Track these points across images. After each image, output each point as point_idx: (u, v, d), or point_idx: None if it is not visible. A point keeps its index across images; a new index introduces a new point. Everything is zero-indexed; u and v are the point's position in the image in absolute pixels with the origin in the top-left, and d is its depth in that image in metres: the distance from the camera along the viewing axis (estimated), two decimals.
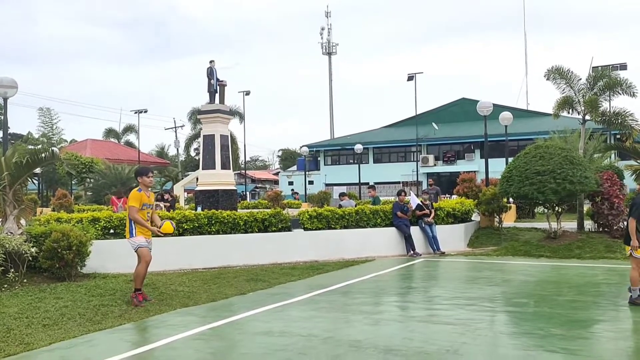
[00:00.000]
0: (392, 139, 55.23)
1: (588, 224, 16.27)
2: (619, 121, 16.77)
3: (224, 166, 18.07)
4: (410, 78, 43.05)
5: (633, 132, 17.14)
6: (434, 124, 53.39)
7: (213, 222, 12.67)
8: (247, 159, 73.21)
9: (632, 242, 7.83)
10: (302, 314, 7.89)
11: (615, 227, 15.02)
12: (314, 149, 58.51)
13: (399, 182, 49.22)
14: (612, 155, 32.65)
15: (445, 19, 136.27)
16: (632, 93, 16.51)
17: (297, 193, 32.82)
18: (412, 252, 14.31)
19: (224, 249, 12.47)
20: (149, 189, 8.51)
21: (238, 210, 16.45)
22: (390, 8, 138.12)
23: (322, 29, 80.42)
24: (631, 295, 7.93)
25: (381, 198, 21.50)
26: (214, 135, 17.96)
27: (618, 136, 30.75)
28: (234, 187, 18.59)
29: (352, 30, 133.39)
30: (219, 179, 17.77)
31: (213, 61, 18.95)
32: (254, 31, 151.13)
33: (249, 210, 14.83)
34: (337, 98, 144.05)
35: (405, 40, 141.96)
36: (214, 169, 17.75)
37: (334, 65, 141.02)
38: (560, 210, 15.21)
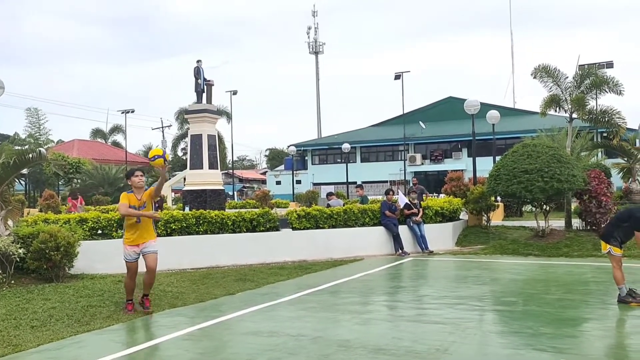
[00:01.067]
0: (379, 138, 55.33)
1: (576, 222, 16.34)
2: (606, 119, 16.82)
3: (212, 166, 18.02)
4: (397, 77, 43.08)
5: (620, 130, 17.20)
6: (421, 122, 53.58)
7: (201, 222, 12.60)
8: (235, 158, 73.01)
9: (621, 252, 7.83)
10: (290, 313, 7.87)
11: (603, 225, 15.06)
12: (302, 149, 58.50)
13: (386, 181, 49.34)
14: (599, 154, 32.91)
15: (432, 16, 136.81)
16: (618, 91, 16.55)
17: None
18: (400, 251, 14.31)
19: (212, 249, 12.41)
20: (142, 189, 8.06)
21: (226, 210, 16.38)
22: (377, 6, 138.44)
23: (309, 28, 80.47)
24: (619, 294, 7.93)
25: (369, 197, 21.50)
26: (201, 135, 17.92)
27: (605, 134, 31.05)
28: (221, 187, 18.54)
29: (340, 28, 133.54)
30: (207, 178, 17.71)
31: (200, 61, 18.98)
32: (240, 30, 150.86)
33: (237, 210, 14.77)
34: (325, 97, 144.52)
35: (392, 38, 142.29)
36: (202, 168, 17.69)
37: (322, 64, 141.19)
38: (548, 208, 15.26)
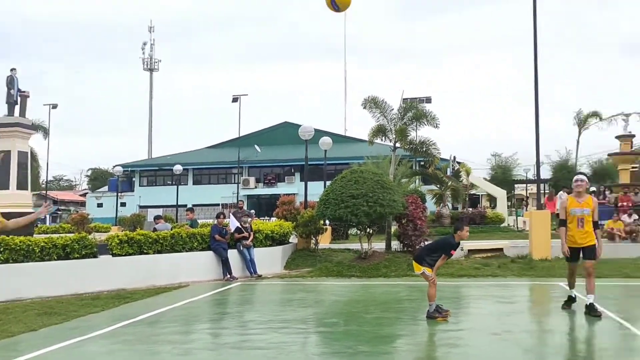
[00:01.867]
0: (213, 160, 54.77)
1: (395, 244, 17.14)
2: (424, 149, 18.30)
3: (21, 186, 16.50)
4: (235, 100, 43.12)
5: (435, 159, 18.71)
6: (256, 146, 53.96)
7: (2, 249, 11.28)
8: (50, 178, 67.82)
9: (433, 273, 8.34)
10: (101, 348, 7.19)
11: (417, 247, 15.93)
12: (129, 169, 55.97)
13: (218, 204, 48.71)
14: (417, 180, 35.55)
15: (273, 42, 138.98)
16: (435, 124, 18.18)
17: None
18: (228, 276, 13.98)
19: (14, 279, 11.13)
20: None
21: (34, 235, 14.90)
22: (217, 27, 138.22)
23: (144, 43, 78.07)
24: (428, 310, 8.43)
25: (200, 221, 20.93)
26: (10, 151, 16.34)
27: (422, 163, 33.61)
28: (31, 210, 16.93)
29: (177, 47, 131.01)
30: (14, 200, 16.10)
31: (14, 69, 17.55)
32: (68, 38, 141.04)
33: (47, 235, 13.51)
34: (158, 117, 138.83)
35: (232, 59, 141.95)
36: (8, 189, 16.10)
37: (157, 82, 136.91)
38: (371, 231, 15.81)
